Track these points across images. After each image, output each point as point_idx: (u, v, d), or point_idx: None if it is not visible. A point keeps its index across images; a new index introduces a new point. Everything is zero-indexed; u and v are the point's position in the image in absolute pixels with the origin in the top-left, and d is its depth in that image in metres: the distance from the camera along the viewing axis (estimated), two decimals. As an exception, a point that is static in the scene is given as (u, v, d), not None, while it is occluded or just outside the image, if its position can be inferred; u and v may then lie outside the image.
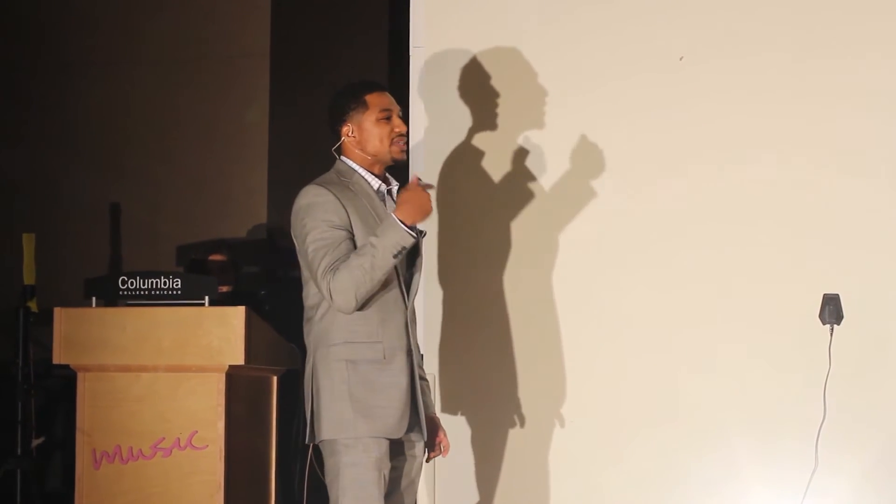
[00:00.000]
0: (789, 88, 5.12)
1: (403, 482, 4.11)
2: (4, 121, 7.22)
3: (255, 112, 6.85)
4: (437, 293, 5.36)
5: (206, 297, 4.89)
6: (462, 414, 5.28)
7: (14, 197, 7.15)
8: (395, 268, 3.99)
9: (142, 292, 4.97)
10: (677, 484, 5.10)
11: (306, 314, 4.08)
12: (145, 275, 5.00)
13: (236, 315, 4.79)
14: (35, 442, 5.99)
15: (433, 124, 5.38)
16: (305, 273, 4.04)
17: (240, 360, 4.77)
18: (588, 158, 5.27)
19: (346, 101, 4.11)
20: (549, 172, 5.30)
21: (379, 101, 4.10)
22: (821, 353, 4.92)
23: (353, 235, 3.95)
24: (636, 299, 5.20)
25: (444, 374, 5.32)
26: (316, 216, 3.94)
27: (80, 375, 4.94)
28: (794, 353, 5.01)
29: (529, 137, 5.32)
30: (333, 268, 3.88)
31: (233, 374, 4.82)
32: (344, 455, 3.90)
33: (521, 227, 5.29)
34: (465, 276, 5.34)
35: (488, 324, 5.30)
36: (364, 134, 4.07)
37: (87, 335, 4.92)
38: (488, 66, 5.35)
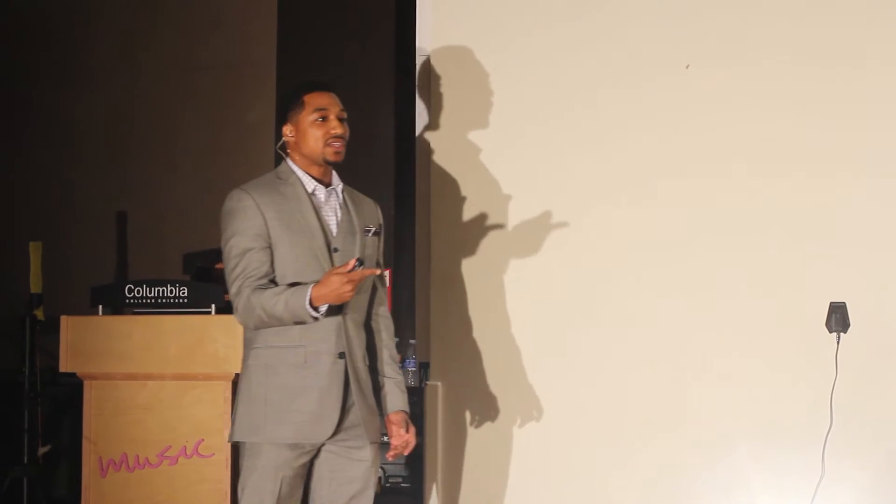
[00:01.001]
0: (796, 96, 5.12)
1: (352, 488, 4.00)
2: (10, 129, 7.22)
3: (257, 113, 6.85)
4: (441, 299, 5.36)
5: (213, 306, 4.89)
6: (466, 420, 5.28)
7: (20, 205, 7.15)
8: (321, 269, 3.91)
9: (148, 300, 4.98)
10: (684, 492, 5.10)
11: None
12: (151, 283, 5.00)
13: (242, 323, 4.79)
14: (41, 450, 5.99)
15: (438, 129, 5.38)
16: None
17: (246, 368, 4.76)
18: (594, 164, 5.27)
19: (288, 101, 4.06)
20: (554, 178, 5.30)
21: (317, 100, 4.02)
22: (827, 362, 4.91)
23: (270, 242, 3.90)
24: (642, 306, 5.19)
25: (448, 381, 5.32)
26: (233, 223, 3.91)
27: (86, 384, 4.94)
28: (800, 361, 5.01)
29: (535, 142, 5.33)
30: (248, 281, 3.86)
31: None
32: (246, 458, 3.92)
33: (526, 233, 5.29)
34: (469, 281, 5.34)
35: (492, 330, 5.30)
36: (300, 134, 4.00)
37: (94, 343, 4.93)
38: (493, 71, 5.36)
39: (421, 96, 5.46)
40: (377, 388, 4.08)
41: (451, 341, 5.35)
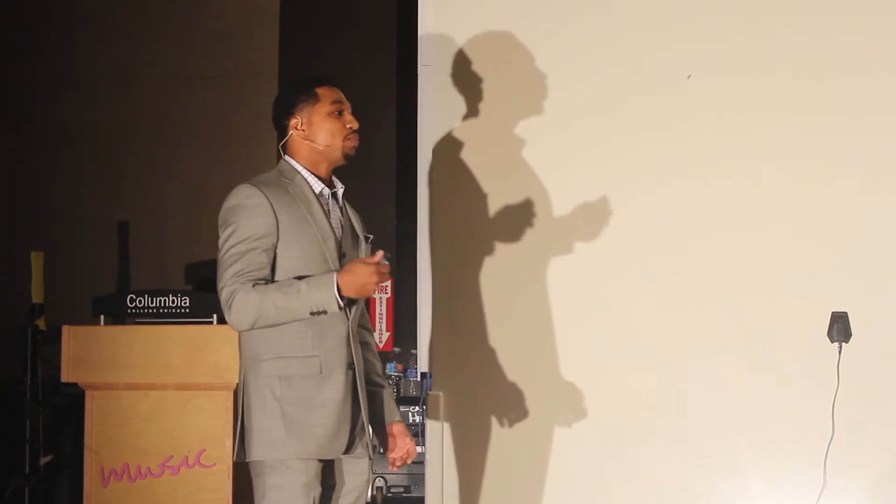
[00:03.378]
0: (798, 104, 5.12)
1: (347, 500, 3.87)
2: (12, 137, 7.23)
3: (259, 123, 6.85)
4: (443, 309, 5.36)
5: (215, 316, 4.89)
6: (468, 430, 5.28)
7: (22, 215, 7.16)
8: None
9: (150, 310, 4.99)
10: (685, 502, 5.09)
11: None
12: (153, 293, 5.01)
13: (244, 333, 4.79)
14: (43, 460, 6.00)
15: (441, 138, 5.38)
16: None
17: (248, 378, 4.77)
18: (598, 174, 5.27)
19: (296, 93, 3.86)
20: (557, 187, 5.30)
21: (330, 93, 3.85)
22: (829, 372, 4.91)
23: (277, 243, 3.71)
24: (645, 316, 5.19)
25: (450, 391, 5.32)
26: (241, 220, 3.70)
27: (88, 393, 4.95)
28: (802, 371, 5.00)
29: (539, 151, 5.33)
30: (245, 280, 3.64)
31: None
32: (270, 477, 3.69)
33: (529, 242, 5.29)
34: (471, 291, 5.34)
35: (494, 340, 5.29)
36: (314, 127, 3.81)
37: (96, 353, 4.93)
38: (497, 80, 5.36)
39: (423, 105, 5.46)
40: (371, 400, 3.93)
41: (453, 351, 5.35)
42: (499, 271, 5.30)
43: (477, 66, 5.40)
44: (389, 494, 5.70)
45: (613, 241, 5.24)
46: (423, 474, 5.37)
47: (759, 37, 5.18)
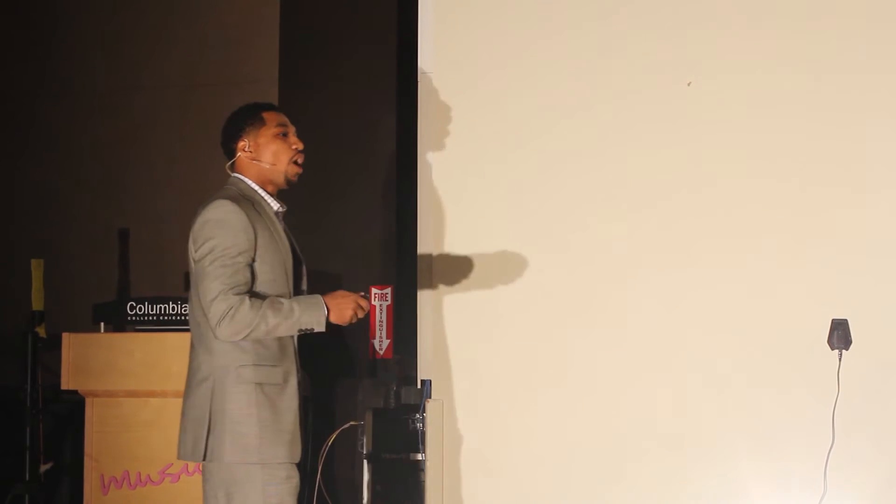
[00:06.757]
0: (799, 110, 5.13)
1: None
2: (11, 145, 7.23)
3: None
4: (442, 316, 5.36)
5: (215, 323, 4.88)
6: (467, 437, 5.28)
7: (22, 222, 7.15)
8: (290, 291, 3.94)
9: (150, 317, 4.99)
10: (685, 509, 5.10)
11: (202, 331, 3.93)
12: (153, 300, 5.01)
13: (244, 340, 4.78)
14: (43, 467, 5.98)
15: (440, 144, 5.39)
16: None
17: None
18: (595, 179, 5.28)
19: (243, 118, 4.07)
20: (556, 193, 5.30)
21: (276, 117, 4.07)
22: (829, 379, 4.91)
23: (255, 259, 3.88)
24: (643, 322, 5.20)
25: (450, 398, 5.32)
26: (226, 234, 3.85)
27: (88, 401, 4.95)
28: (802, 378, 5.00)
29: (536, 156, 5.33)
30: (231, 291, 3.79)
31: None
32: (262, 479, 3.84)
33: (528, 249, 5.30)
34: (471, 299, 5.34)
35: (493, 347, 5.30)
36: (260, 149, 4.02)
37: (96, 360, 4.94)
38: (495, 87, 5.38)
39: (422, 112, 5.47)
40: None
41: (452, 358, 5.35)
42: (499, 278, 5.30)
43: (476, 73, 5.41)
44: (390, 501, 5.69)
45: (613, 245, 5.24)
46: (424, 481, 5.36)
47: (759, 38, 5.19)
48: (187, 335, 4.87)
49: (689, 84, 5.23)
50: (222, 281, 3.80)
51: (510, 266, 5.30)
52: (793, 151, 5.12)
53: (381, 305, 6.07)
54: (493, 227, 5.34)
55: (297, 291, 4.02)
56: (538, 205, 5.31)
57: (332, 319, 3.88)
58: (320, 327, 3.87)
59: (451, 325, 5.35)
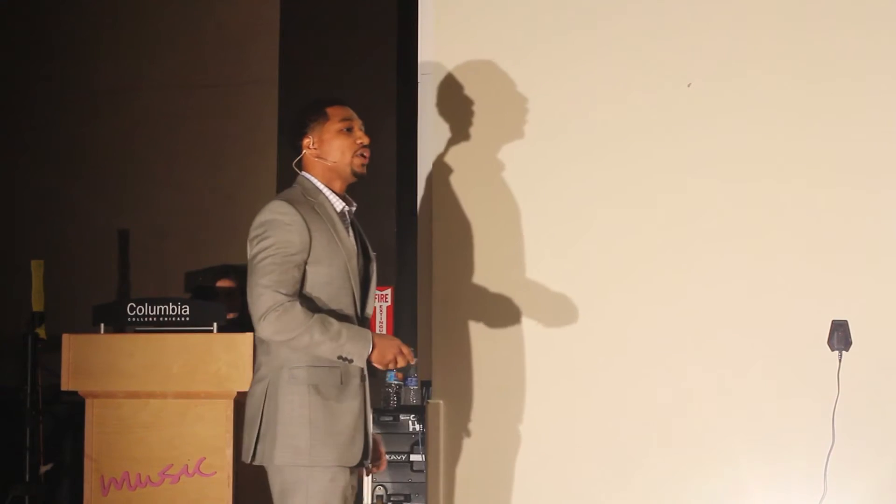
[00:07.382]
0: (800, 111, 5.13)
1: None
2: (12, 146, 7.23)
3: (259, 131, 6.86)
4: (442, 317, 5.37)
5: (215, 324, 4.89)
6: (467, 438, 5.28)
7: (22, 223, 7.16)
8: (352, 291, 3.91)
9: (150, 319, 4.98)
10: (685, 510, 5.11)
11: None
12: (153, 301, 5.00)
13: (244, 341, 4.79)
14: (43, 468, 5.99)
15: (441, 146, 5.39)
16: None
17: (248, 386, 4.75)
18: (596, 181, 5.28)
19: (307, 114, 4.00)
20: (556, 195, 5.31)
21: (339, 112, 3.99)
22: (829, 380, 4.91)
23: (308, 260, 3.83)
24: (643, 322, 5.20)
25: (450, 399, 5.32)
26: (277, 233, 3.81)
27: (88, 402, 4.94)
28: (802, 379, 5.01)
29: (537, 159, 5.34)
30: (287, 292, 3.76)
31: (241, 401, 4.81)
32: (308, 482, 3.79)
33: (527, 250, 5.30)
34: (471, 299, 5.35)
35: (493, 348, 5.30)
36: (325, 145, 3.95)
37: (96, 362, 4.92)
38: (495, 88, 5.37)
39: (423, 114, 5.47)
40: None
41: (452, 359, 5.35)
42: (499, 279, 5.30)
43: (476, 75, 5.41)
44: (390, 502, 5.69)
45: (614, 248, 5.24)
46: (424, 482, 5.37)
47: (759, 39, 5.19)
48: (187, 336, 4.89)
49: (689, 85, 5.23)
50: (271, 277, 3.77)
51: (510, 266, 5.30)
52: (794, 153, 5.13)
53: (381, 306, 6.08)
54: (493, 227, 5.34)
55: (364, 289, 3.98)
56: (538, 205, 5.31)
57: (373, 358, 3.83)
58: (360, 362, 3.82)
59: (451, 326, 5.35)
